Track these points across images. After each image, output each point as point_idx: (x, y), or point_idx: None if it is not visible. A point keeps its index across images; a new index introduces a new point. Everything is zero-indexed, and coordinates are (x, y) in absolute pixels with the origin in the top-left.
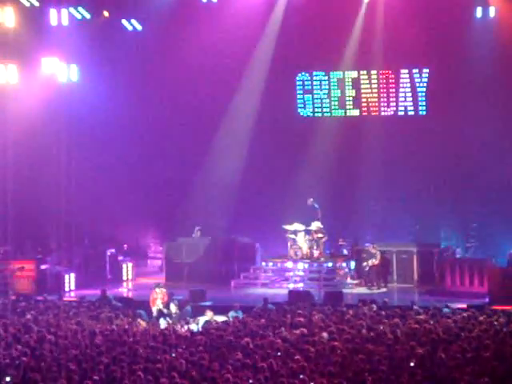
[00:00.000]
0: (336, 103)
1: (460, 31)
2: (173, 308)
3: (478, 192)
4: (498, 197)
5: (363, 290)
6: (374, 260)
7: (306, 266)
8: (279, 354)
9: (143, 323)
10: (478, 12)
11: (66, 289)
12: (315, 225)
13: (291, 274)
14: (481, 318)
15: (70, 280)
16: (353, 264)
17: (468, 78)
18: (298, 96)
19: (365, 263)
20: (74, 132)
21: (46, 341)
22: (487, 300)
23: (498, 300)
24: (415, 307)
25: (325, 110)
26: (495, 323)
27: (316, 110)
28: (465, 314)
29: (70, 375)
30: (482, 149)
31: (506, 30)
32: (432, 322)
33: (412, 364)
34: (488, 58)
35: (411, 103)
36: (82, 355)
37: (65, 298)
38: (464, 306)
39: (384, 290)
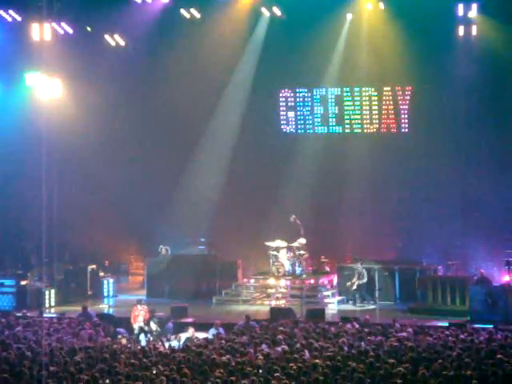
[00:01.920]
0: (319, 120)
1: (442, 50)
2: (153, 325)
3: (460, 210)
4: (480, 215)
5: (345, 307)
6: (362, 278)
7: (288, 282)
8: (260, 371)
9: (124, 340)
10: (461, 31)
11: (47, 305)
12: (300, 241)
13: (273, 290)
14: (462, 336)
15: (50, 296)
16: (335, 280)
17: (450, 97)
18: (281, 113)
19: (349, 282)
20: (55, 147)
21: (26, 358)
22: (468, 318)
23: (479, 318)
24: (397, 325)
25: (308, 126)
26: (476, 341)
27: (299, 126)
28: (446, 332)
29: None
30: (464, 167)
31: (488, 48)
32: (413, 340)
33: (393, 382)
34: (470, 77)
35: (394, 121)
36: (62, 372)
37: (45, 315)
38: (445, 324)
39: (372, 307)
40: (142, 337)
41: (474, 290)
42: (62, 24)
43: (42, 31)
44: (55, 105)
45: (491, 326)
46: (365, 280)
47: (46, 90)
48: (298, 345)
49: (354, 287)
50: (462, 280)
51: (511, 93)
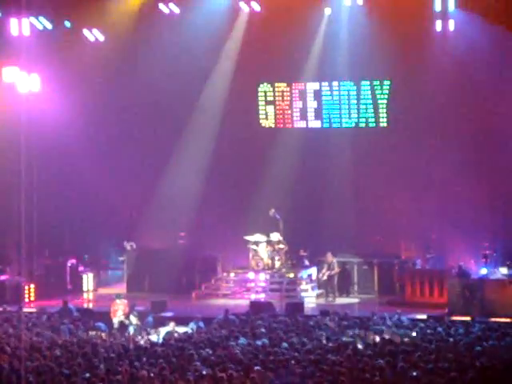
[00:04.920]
0: (298, 115)
1: (420, 44)
2: (133, 319)
3: (437, 204)
4: (456, 209)
5: (323, 300)
6: (332, 269)
7: (268, 276)
8: (240, 364)
9: (103, 335)
10: (438, 25)
11: (26, 300)
12: (274, 236)
13: (252, 284)
14: (440, 329)
15: (29, 291)
16: (314, 274)
17: (428, 90)
18: (260, 107)
19: (320, 274)
20: (34, 142)
21: (4, 352)
22: (447, 311)
23: (457, 311)
24: (375, 318)
25: (287, 121)
26: (454, 334)
27: (278, 121)
28: (424, 325)
29: None
30: (441, 161)
31: (465, 43)
32: (392, 333)
33: (372, 375)
34: (448, 71)
35: (372, 115)
36: (42, 367)
37: (24, 309)
38: (424, 316)
39: (345, 300)
40: (130, 328)
41: (452, 283)
42: (41, 19)
43: (21, 26)
44: (34, 100)
45: (469, 319)
46: (336, 270)
47: (25, 85)
48: (278, 339)
49: (325, 278)
50: (440, 273)
51: (488, 85)
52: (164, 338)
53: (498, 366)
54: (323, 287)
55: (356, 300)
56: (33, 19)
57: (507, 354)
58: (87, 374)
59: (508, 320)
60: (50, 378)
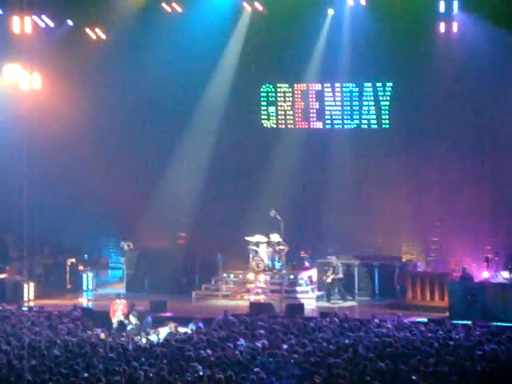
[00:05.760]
0: (300, 115)
1: (423, 46)
2: (132, 319)
3: (439, 206)
4: (458, 211)
5: (325, 302)
6: (337, 273)
7: (268, 277)
8: (239, 366)
9: (102, 334)
10: (442, 27)
11: (25, 298)
12: (275, 237)
13: (253, 285)
14: (440, 332)
15: (29, 290)
16: (315, 276)
17: (430, 93)
18: (262, 108)
19: (324, 277)
20: (36, 140)
21: (3, 351)
22: (447, 314)
23: (458, 314)
24: (376, 320)
25: (289, 122)
26: (455, 338)
27: (280, 121)
28: (424, 328)
29: None
30: (443, 163)
31: (468, 45)
32: (392, 336)
33: (372, 378)
34: (450, 73)
35: (375, 116)
36: (40, 366)
37: (23, 308)
38: (424, 319)
39: (351, 303)
40: (129, 327)
41: (453, 287)
42: (43, 17)
43: (23, 24)
44: (36, 98)
45: (470, 323)
46: (340, 275)
47: (27, 83)
48: (278, 340)
49: (329, 280)
50: (442, 276)
51: (490, 88)
52: (165, 339)
53: (498, 371)
54: (327, 290)
55: (356, 302)
56: (35, 17)
57: (508, 358)
58: (86, 374)
59: (509, 324)
60: (48, 378)
